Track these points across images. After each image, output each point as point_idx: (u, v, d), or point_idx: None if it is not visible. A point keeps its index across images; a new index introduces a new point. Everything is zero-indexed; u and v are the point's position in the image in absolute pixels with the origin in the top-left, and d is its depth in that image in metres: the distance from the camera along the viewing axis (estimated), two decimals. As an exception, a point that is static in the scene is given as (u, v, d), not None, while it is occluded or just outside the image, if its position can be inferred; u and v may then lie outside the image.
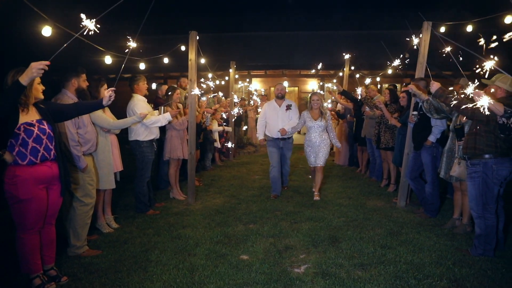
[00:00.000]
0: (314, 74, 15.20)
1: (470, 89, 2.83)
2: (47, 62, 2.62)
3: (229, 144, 9.52)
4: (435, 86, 3.76)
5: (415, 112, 4.93)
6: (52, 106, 3.26)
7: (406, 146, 5.28)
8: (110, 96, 3.29)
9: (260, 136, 6.20)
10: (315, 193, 5.94)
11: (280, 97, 6.12)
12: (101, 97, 4.13)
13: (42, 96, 3.09)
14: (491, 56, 2.27)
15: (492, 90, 3.65)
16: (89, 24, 2.82)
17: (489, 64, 2.22)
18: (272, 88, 18.96)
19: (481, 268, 3.47)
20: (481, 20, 4.39)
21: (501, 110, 3.11)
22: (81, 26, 2.82)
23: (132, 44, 3.78)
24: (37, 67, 2.58)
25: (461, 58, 3.69)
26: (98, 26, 2.87)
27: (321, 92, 6.31)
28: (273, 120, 6.01)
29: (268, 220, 4.85)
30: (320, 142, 5.78)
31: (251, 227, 4.63)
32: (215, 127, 8.32)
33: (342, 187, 6.69)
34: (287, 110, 6.02)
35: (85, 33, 2.88)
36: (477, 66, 2.29)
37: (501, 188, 3.67)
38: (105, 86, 4.27)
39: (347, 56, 8.74)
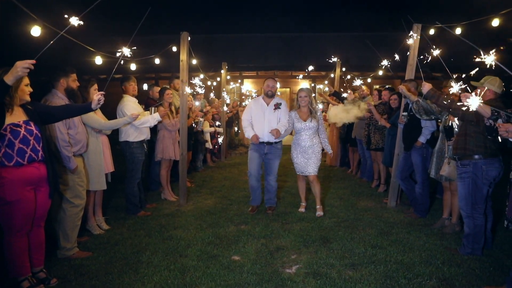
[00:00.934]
0: (306, 75, 15.26)
1: (455, 88, 2.87)
2: (33, 61, 2.57)
3: (220, 139, 9.46)
4: (426, 87, 3.80)
5: (405, 113, 4.99)
6: (40, 108, 3.21)
7: (396, 147, 5.34)
8: (99, 100, 3.22)
9: (250, 133, 5.08)
10: (317, 206, 5.18)
11: (270, 95, 5.17)
12: (90, 97, 4.11)
13: (28, 99, 3.03)
14: (491, 53, 2.29)
15: (480, 91, 3.71)
16: (74, 21, 2.78)
17: (489, 59, 2.25)
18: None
19: (470, 267, 3.52)
20: (470, 22, 4.45)
21: (489, 112, 3.16)
22: (67, 24, 2.79)
23: (126, 51, 3.75)
24: (22, 66, 2.53)
25: (452, 59, 3.74)
26: (82, 23, 2.82)
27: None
28: (258, 121, 5.11)
29: (260, 221, 4.86)
30: (310, 147, 5.03)
31: (242, 228, 4.63)
32: (207, 128, 8.31)
33: (333, 187, 6.72)
34: (275, 109, 5.11)
35: (76, 33, 2.85)
36: (477, 61, 2.31)
37: (490, 189, 3.73)
38: (95, 86, 4.23)
39: (334, 59, 8.76)
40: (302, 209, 5.26)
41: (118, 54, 3.75)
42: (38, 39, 3.10)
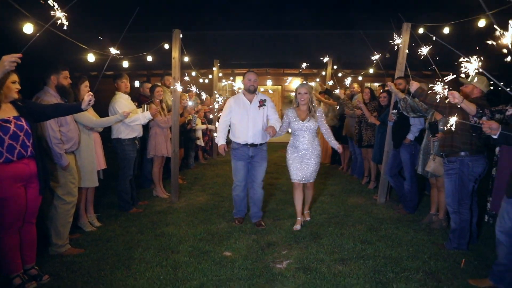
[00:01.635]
0: (297, 73, 15.33)
1: (439, 88, 2.93)
2: (19, 55, 2.58)
3: (213, 129, 9.42)
4: (414, 85, 3.88)
5: (394, 111, 5.07)
6: (31, 106, 3.21)
7: (386, 144, 5.42)
8: (89, 100, 3.22)
9: (220, 140, 4.58)
10: (305, 212, 4.79)
11: (252, 90, 4.53)
12: (81, 94, 4.12)
13: (16, 96, 3.02)
14: (475, 58, 2.34)
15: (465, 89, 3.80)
16: (59, 14, 2.77)
17: (472, 67, 2.30)
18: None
19: (455, 260, 3.61)
20: (459, 22, 4.54)
21: (474, 110, 3.25)
22: (52, 17, 2.78)
23: (113, 51, 3.75)
24: (9, 59, 2.54)
25: (437, 58, 3.80)
26: (66, 15, 2.80)
27: (312, 84, 4.24)
28: (241, 121, 4.53)
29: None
30: (310, 150, 4.46)
31: (234, 224, 4.67)
32: (199, 125, 8.33)
33: (324, 184, 6.80)
34: (260, 107, 4.53)
35: (60, 26, 2.82)
36: (461, 65, 2.36)
37: (475, 185, 3.82)
38: (86, 83, 4.23)
39: (326, 59, 8.79)
40: (297, 226, 4.50)
41: (113, 52, 3.76)
42: (26, 34, 3.09)
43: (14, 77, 2.98)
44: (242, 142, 4.52)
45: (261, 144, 4.58)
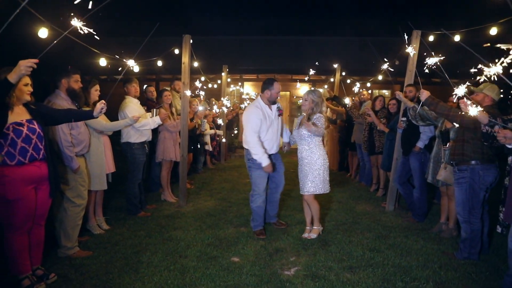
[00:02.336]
0: (306, 79, 15.33)
1: (460, 91, 2.86)
2: (36, 60, 2.62)
3: (221, 135, 9.48)
4: (424, 94, 3.84)
5: (404, 118, 5.04)
6: (43, 109, 3.26)
7: (395, 152, 5.39)
8: (101, 108, 3.34)
9: (265, 160, 4.24)
10: (313, 227, 4.48)
11: (274, 100, 4.44)
12: (91, 97, 4.22)
13: (28, 98, 3.06)
14: (492, 65, 2.31)
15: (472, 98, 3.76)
16: (77, 23, 2.82)
17: (494, 70, 2.27)
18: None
19: (466, 271, 3.56)
20: (469, 30, 4.52)
21: (487, 118, 3.21)
22: (71, 25, 2.83)
23: (131, 63, 3.84)
24: (26, 64, 2.58)
25: (442, 65, 3.77)
26: (84, 23, 2.86)
27: (319, 90, 4.00)
28: (269, 133, 4.38)
29: (259, 223, 4.89)
30: (304, 159, 4.27)
31: (242, 230, 4.66)
32: (207, 130, 8.36)
33: (332, 191, 6.71)
34: (279, 116, 4.52)
35: (80, 34, 2.88)
36: (479, 71, 2.33)
37: (486, 194, 3.78)
38: (97, 86, 4.29)
39: (336, 65, 8.77)
40: (305, 234, 4.42)
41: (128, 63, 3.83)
42: (42, 39, 3.14)
43: (26, 79, 3.01)
44: (268, 152, 4.37)
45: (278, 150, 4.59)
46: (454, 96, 2.73)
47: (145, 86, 6.70)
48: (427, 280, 3.37)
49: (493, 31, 4.49)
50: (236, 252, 3.96)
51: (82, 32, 2.87)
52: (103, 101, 3.37)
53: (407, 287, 3.26)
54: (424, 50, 4.43)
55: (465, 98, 2.88)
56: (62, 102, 3.74)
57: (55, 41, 2.84)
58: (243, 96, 15.35)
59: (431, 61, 3.28)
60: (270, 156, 4.37)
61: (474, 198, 3.69)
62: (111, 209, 5.35)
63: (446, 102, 3.95)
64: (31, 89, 3.08)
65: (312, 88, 4.63)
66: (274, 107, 4.47)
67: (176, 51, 6.04)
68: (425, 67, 3.46)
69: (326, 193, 4.36)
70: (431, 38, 5.09)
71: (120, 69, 3.89)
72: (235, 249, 4.04)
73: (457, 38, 4.63)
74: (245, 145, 4.43)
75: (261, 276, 3.42)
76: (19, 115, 3.00)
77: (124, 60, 3.88)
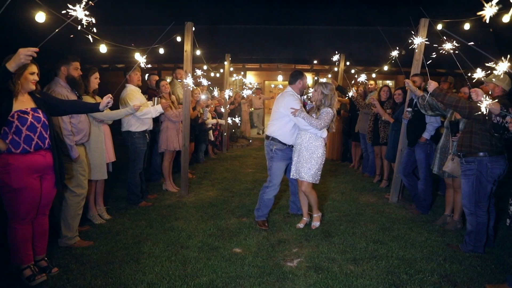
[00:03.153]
0: (309, 68, 15.18)
1: (479, 74, 2.73)
2: (36, 49, 2.55)
3: (223, 124, 9.40)
4: (432, 85, 3.75)
5: (409, 109, 4.95)
6: (49, 99, 3.21)
7: (400, 142, 5.30)
8: (108, 102, 3.35)
9: (325, 131, 4.28)
10: (314, 215, 4.49)
11: (304, 91, 4.54)
12: (90, 85, 4.18)
13: (33, 87, 3.01)
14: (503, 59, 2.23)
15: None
16: (79, 12, 2.76)
17: (503, 67, 2.18)
18: (267, 82, 18.90)
19: (471, 264, 3.51)
20: (478, 18, 4.39)
21: (498, 109, 3.13)
22: (71, 13, 2.76)
23: (140, 59, 3.78)
24: (25, 53, 2.51)
25: (456, 51, 3.67)
26: (87, 13, 2.79)
27: (329, 84, 3.97)
28: (295, 123, 4.33)
29: (261, 214, 4.84)
30: (305, 143, 4.24)
31: (244, 220, 4.62)
32: (209, 120, 8.29)
33: (335, 182, 6.70)
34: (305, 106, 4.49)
35: (80, 22, 2.81)
36: (490, 65, 2.26)
37: (493, 186, 3.71)
38: (96, 74, 4.24)
39: (335, 57, 8.46)
40: (300, 225, 4.42)
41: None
42: (43, 26, 3.07)
43: (33, 68, 2.95)
44: (290, 143, 4.38)
45: None
46: (473, 80, 2.64)
47: (146, 75, 6.62)
48: (431, 273, 3.32)
49: (506, 18, 4.36)
50: (238, 243, 3.93)
51: (84, 22, 2.80)
52: (109, 95, 3.37)
53: (412, 280, 3.21)
54: (431, 40, 4.33)
55: (483, 81, 2.79)
56: (62, 89, 3.68)
57: (57, 29, 2.78)
58: (252, 86, 15.11)
59: (448, 46, 3.18)
60: (291, 146, 4.38)
61: (481, 190, 3.63)
62: (112, 198, 5.31)
63: (457, 93, 3.85)
64: (37, 78, 3.02)
65: (324, 80, 4.53)
66: (301, 98, 4.46)
67: (178, 39, 5.94)
68: (441, 51, 3.35)
69: (316, 183, 4.34)
70: (439, 27, 4.97)
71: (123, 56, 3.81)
72: (237, 240, 4.00)
73: (466, 26, 4.52)
74: (271, 134, 4.38)
75: (263, 267, 3.38)
76: (23, 103, 2.95)
77: (133, 47, 3.82)
